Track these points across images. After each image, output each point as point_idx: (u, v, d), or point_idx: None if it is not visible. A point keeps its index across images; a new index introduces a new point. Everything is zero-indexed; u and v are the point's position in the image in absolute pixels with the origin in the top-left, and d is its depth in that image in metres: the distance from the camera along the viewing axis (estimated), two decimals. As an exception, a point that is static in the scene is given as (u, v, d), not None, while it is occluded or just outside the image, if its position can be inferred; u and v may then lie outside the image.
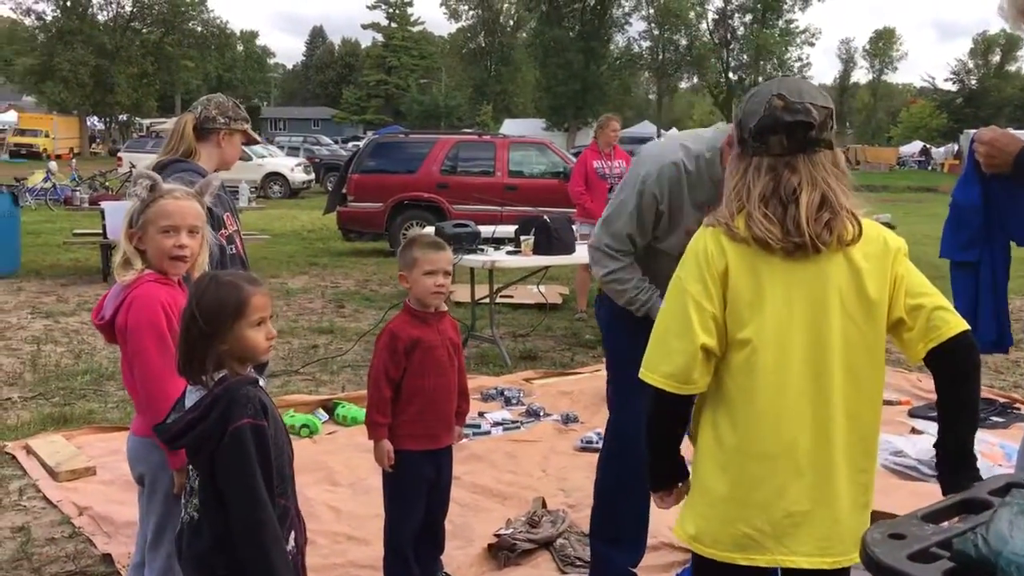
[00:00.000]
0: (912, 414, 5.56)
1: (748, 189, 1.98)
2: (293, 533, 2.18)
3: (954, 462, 1.99)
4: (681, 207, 2.85)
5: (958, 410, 2.00)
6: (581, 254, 7.19)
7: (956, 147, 51.75)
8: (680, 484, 2.18)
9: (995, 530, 1.26)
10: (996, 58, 71.29)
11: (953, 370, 1.97)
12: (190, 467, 2.19)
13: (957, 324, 1.94)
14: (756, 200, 1.97)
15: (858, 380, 1.98)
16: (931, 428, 5.20)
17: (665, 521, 3.34)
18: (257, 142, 3.76)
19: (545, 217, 7.23)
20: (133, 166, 16.29)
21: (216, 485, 2.07)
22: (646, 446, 2.15)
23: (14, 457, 4.70)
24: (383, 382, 3.12)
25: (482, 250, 7.15)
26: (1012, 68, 71.48)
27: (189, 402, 2.13)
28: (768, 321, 1.96)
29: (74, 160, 27.51)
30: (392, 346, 3.12)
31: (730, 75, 61.13)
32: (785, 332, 1.96)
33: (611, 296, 3.07)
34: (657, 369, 2.00)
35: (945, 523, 1.49)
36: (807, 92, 2.00)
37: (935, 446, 2.06)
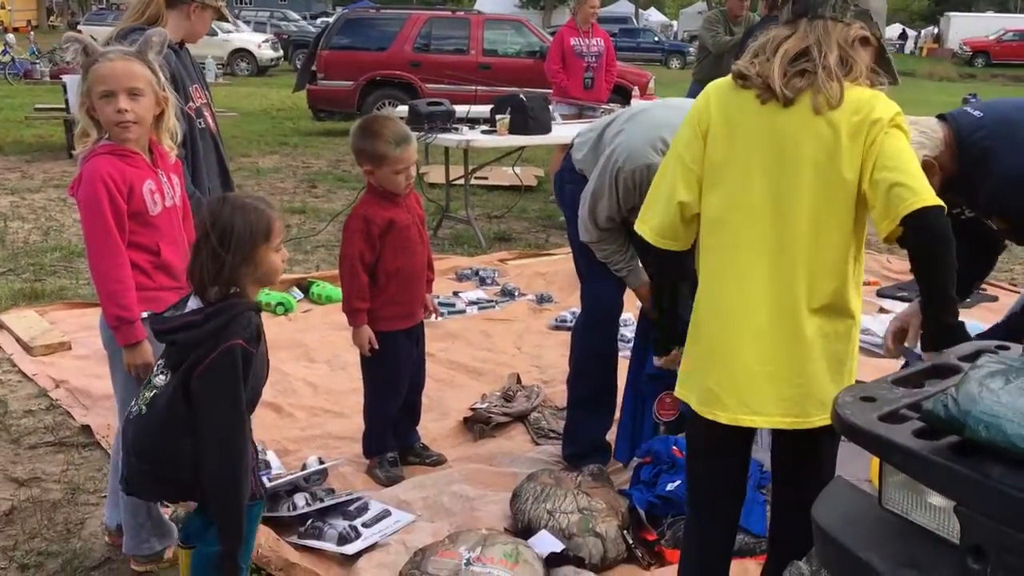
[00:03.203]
0: (880, 294, 5.66)
1: (745, 50, 2.03)
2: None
3: (933, 338, 2.00)
4: None
5: (923, 289, 2.01)
6: (557, 134, 7.10)
7: (935, 30, 51.15)
8: (676, 350, 2.27)
9: (965, 391, 1.30)
10: (981, -61, 69.64)
11: (913, 246, 1.94)
12: (161, 362, 2.18)
13: (915, 201, 1.87)
14: (748, 55, 2.03)
15: (821, 246, 1.97)
16: (898, 308, 5.30)
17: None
18: (227, 20, 3.59)
19: (521, 96, 7.10)
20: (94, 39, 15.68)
21: (188, 392, 2.07)
22: (651, 300, 2.33)
23: (-13, 333, 4.68)
24: (359, 267, 3.10)
25: (456, 129, 7.03)
26: (997, -50, 69.94)
27: (191, 306, 2.12)
28: (735, 179, 2.01)
29: (32, 33, 26.47)
30: (367, 231, 3.08)
31: (711, -47, 59.38)
32: (749, 190, 1.99)
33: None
34: (646, 223, 2.13)
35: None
36: None
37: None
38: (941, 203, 1.89)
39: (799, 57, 1.94)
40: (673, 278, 2.22)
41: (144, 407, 2.14)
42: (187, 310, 2.12)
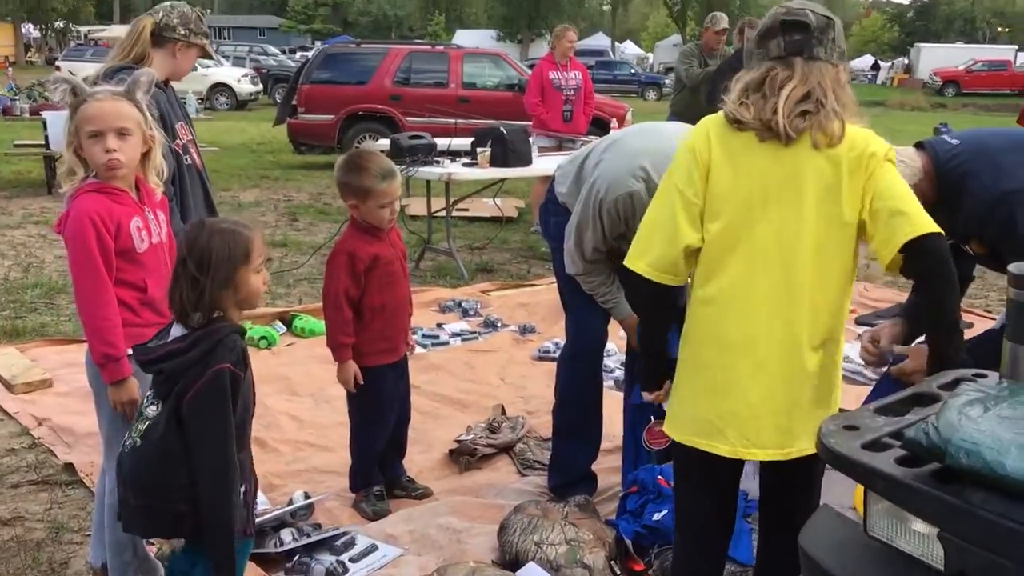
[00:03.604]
0: (858, 322, 5.72)
1: (736, 83, 2.04)
2: (244, 487, 2.20)
3: (934, 366, 2.03)
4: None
5: (929, 310, 2.07)
6: (538, 167, 7.17)
7: (906, 61, 52.02)
8: (669, 382, 2.26)
9: (945, 419, 1.33)
10: (948, -28, 71.06)
11: (917, 271, 2.00)
12: (150, 393, 2.19)
13: (916, 228, 1.93)
14: (739, 90, 2.03)
15: (824, 282, 2.02)
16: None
17: (617, 423, 3.45)
18: (211, 58, 3.58)
19: (501, 129, 7.16)
20: (73, 75, 15.64)
21: (179, 419, 2.08)
22: (638, 336, 2.28)
23: (-33, 370, 4.64)
24: (344, 303, 3.10)
25: (438, 162, 7.08)
26: (964, -18, 71.37)
27: (175, 334, 2.13)
28: (739, 215, 2.01)
29: (10, 69, 26.40)
30: (352, 267, 3.09)
31: (686, -14, 60.15)
32: (753, 226, 2.00)
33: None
34: (642, 258, 2.09)
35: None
36: (809, 5, 2.07)
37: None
38: (940, 229, 1.95)
39: (803, 99, 1.98)
40: (664, 314, 2.20)
41: (138, 439, 2.14)
42: (171, 338, 2.13)
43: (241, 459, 2.17)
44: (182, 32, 3.22)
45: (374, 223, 3.14)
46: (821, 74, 2.00)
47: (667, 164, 2.76)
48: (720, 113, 2.07)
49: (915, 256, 1.94)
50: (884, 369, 2.77)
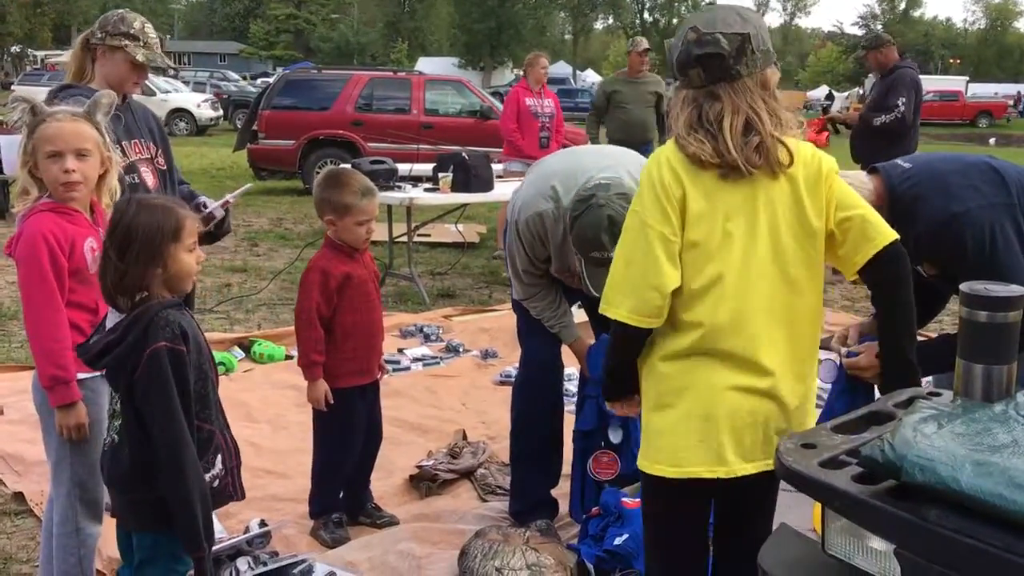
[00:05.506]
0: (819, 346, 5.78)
1: (676, 119, 2.02)
2: (220, 456, 2.19)
3: (895, 372, 2.07)
4: (552, 248, 2.95)
5: (894, 316, 2.09)
6: (499, 192, 7.18)
7: (860, 91, 53.16)
8: (635, 395, 2.20)
9: (900, 436, 1.34)
10: (902, 4, 73.01)
11: (888, 277, 2.04)
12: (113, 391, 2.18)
13: (888, 235, 2.00)
14: (683, 127, 2.00)
15: (801, 297, 2.04)
16: (830, 355, 5.42)
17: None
18: (137, 63, 3.11)
19: (463, 154, 7.17)
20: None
21: (135, 408, 2.07)
22: (603, 369, 2.23)
23: (-87, 398, 4.51)
24: (316, 320, 3.08)
25: (399, 187, 7.07)
26: (916, 14, 73.38)
27: (109, 324, 2.11)
28: (718, 247, 1.99)
29: (-37, 93, 26.00)
30: (324, 284, 3.08)
31: (645, 15, 61.23)
32: (735, 257, 1.99)
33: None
34: (622, 305, 2.00)
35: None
36: (720, 21, 1.99)
37: (878, 357, 2.19)
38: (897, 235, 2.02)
39: (746, 131, 1.96)
40: (635, 354, 2.10)
41: (116, 436, 2.14)
42: (107, 329, 2.11)
43: (210, 430, 2.15)
44: (99, 36, 3.10)
45: (350, 241, 3.13)
46: (750, 94, 1.97)
47: (576, 183, 2.81)
48: (673, 146, 2.03)
49: (887, 261, 1.99)
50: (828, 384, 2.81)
